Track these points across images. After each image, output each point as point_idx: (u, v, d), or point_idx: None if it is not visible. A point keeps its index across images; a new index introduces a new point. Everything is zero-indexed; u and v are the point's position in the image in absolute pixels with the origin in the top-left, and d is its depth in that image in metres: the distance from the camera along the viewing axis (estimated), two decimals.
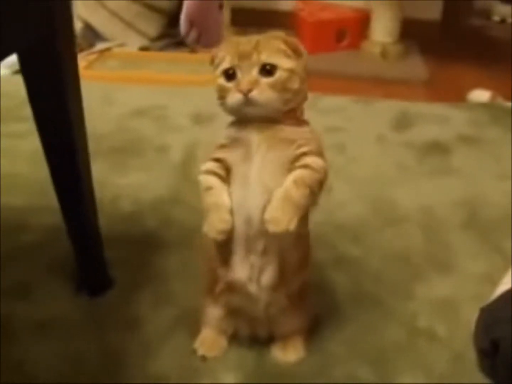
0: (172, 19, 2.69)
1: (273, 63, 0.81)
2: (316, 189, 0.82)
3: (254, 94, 0.81)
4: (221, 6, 0.69)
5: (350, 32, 2.60)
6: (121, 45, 2.49)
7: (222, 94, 0.84)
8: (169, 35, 2.60)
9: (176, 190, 1.44)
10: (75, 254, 1.09)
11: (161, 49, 2.53)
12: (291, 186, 0.80)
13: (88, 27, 2.48)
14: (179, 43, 2.57)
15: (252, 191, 0.83)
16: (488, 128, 1.86)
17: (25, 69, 0.93)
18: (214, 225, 0.83)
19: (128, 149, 1.64)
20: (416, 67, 2.49)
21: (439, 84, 2.34)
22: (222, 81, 0.84)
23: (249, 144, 0.84)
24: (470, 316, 1.06)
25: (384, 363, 0.97)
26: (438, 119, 1.92)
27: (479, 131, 1.84)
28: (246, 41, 0.83)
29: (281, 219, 0.79)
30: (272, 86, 0.81)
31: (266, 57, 0.81)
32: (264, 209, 0.81)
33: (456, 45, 2.82)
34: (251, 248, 0.86)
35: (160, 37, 2.58)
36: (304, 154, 0.83)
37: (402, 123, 1.88)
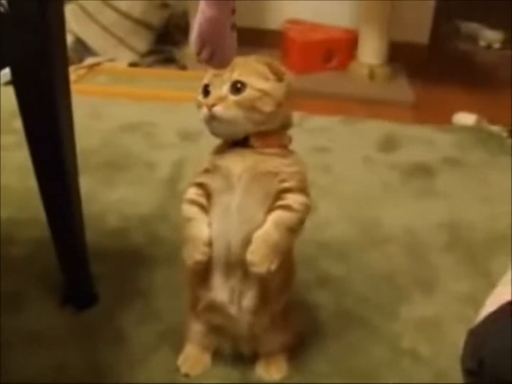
0: (161, 35, 2.72)
1: (243, 81, 0.82)
2: (297, 228, 0.85)
3: (217, 109, 0.82)
4: (233, 27, 0.70)
5: (338, 52, 2.63)
6: (111, 60, 2.51)
7: (198, 106, 0.86)
8: (158, 51, 2.63)
9: (163, 206, 1.44)
10: (61, 268, 1.09)
11: (150, 64, 2.54)
12: (271, 229, 0.82)
13: (78, 41, 2.49)
14: (168, 59, 2.59)
15: (232, 221, 0.85)
16: (473, 151, 1.89)
17: (17, 82, 0.93)
18: (191, 256, 0.86)
19: (116, 165, 1.64)
20: (403, 89, 2.52)
21: (426, 106, 2.37)
22: (199, 96, 0.86)
23: (230, 174, 0.84)
24: (454, 336, 1.07)
25: (368, 382, 0.97)
26: (423, 141, 1.94)
27: (463, 154, 1.86)
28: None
29: (262, 261, 0.81)
30: (238, 104, 0.82)
31: (237, 75, 0.82)
32: (244, 239, 0.84)
33: (443, 69, 2.87)
34: (231, 273, 0.87)
35: (149, 53, 2.60)
36: (286, 190, 0.84)
37: (388, 144, 1.90)
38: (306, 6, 2.81)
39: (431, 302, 1.18)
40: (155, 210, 1.43)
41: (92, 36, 2.53)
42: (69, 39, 2.45)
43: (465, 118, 2.12)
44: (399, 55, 2.66)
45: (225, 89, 0.83)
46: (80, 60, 2.45)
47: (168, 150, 1.74)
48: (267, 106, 0.83)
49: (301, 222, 0.85)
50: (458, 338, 1.06)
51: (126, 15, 2.60)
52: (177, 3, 2.74)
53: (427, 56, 2.95)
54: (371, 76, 2.54)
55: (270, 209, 0.84)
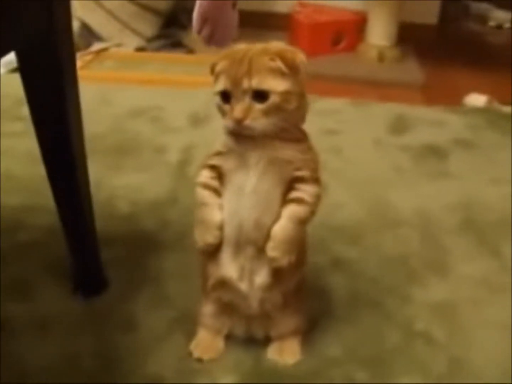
0: (168, 19, 2.69)
1: (266, 89, 0.79)
2: (310, 219, 0.87)
3: (247, 123, 0.81)
4: (234, 5, 0.69)
5: (347, 35, 2.60)
6: (118, 45, 2.49)
7: (220, 112, 0.85)
8: (165, 36, 2.61)
9: (173, 191, 1.44)
10: (71, 254, 1.08)
11: (158, 49, 2.53)
12: (287, 224, 0.85)
13: (85, 26, 2.48)
14: (175, 44, 2.57)
15: (246, 202, 0.85)
16: (484, 132, 1.87)
17: (24, 68, 0.92)
18: (203, 238, 0.88)
19: (124, 150, 1.63)
20: (413, 70, 2.49)
21: (436, 87, 2.34)
22: (219, 101, 0.83)
23: (246, 158, 0.84)
24: (467, 319, 1.07)
25: (381, 366, 0.97)
26: (434, 123, 1.92)
27: (475, 136, 1.84)
28: (241, 58, 0.80)
29: (283, 256, 0.85)
30: (265, 112, 0.80)
31: (257, 83, 0.79)
32: (256, 220, 0.85)
33: (452, 50, 2.84)
34: (241, 252, 0.88)
35: (156, 37, 2.58)
36: (300, 179, 0.85)
37: (399, 126, 1.88)
38: None
39: (444, 285, 1.16)
40: (165, 195, 1.42)
41: (98, 22, 2.51)
42: (75, 25, 2.44)
43: (476, 99, 2.09)
44: (408, 36, 2.63)
45: (248, 99, 0.80)
46: (87, 46, 2.44)
47: (177, 135, 1.73)
48: (292, 104, 0.82)
49: (313, 213, 0.87)
50: (472, 322, 1.07)
51: (132, 0, 2.58)
52: None
53: (437, 36, 2.92)
54: (380, 58, 2.52)
55: (284, 200, 0.86)
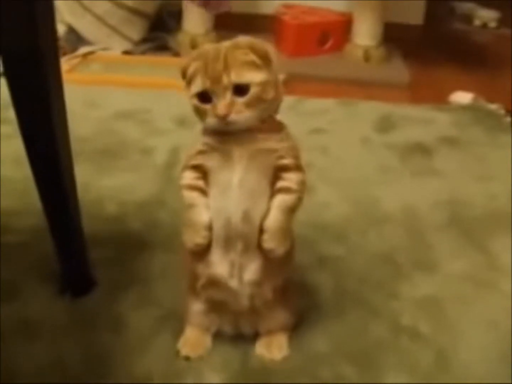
0: (155, 22, 2.69)
1: (245, 82, 0.81)
2: (298, 206, 0.89)
3: (232, 117, 0.82)
4: None
5: (333, 35, 2.61)
6: (105, 49, 2.49)
7: (199, 114, 0.85)
8: (152, 39, 2.61)
9: (160, 192, 1.44)
10: (59, 254, 1.08)
11: (144, 52, 2.53)
12: (278, 215, 0.87)
13: (71, 30, 2.47)
14: (161, 47, 2.58)
15: (233, 196, 0.86)
16: (471, 130, 1.88)
17: (8, 71, 0.92)
18: (191, 239, 0.88)
19: (112, 152, 1.63)
20: (399, 70, 2.51)
21: (421, 87, 2.36)
22: (197, 103, 0.84)
23: (229, 154, 0.85)
24: (454, 315, 1.08)
25: (369, 361, 0.97)
26: (420, 121, 1.93)
27: (461, 133, 1.86)
28: (214, 56, 0.82)
29: (279, 246, 0.87)
30: (247, 104, 0.82)
31: (236, 77, 0.81)
32: (244, 212, 0.86)
33: (438, 49, 2.85)
34: (231, 247, 0.88)
35: (143, 40, 2.59)
36: (284, 168, 0.87)
37: (385, 125, 1.90)
38: None
39: (431, 281, 1.17)
40: (152, 196, 1.42)
41: (85, 26, 2.51)
42: (62, 29, 2.44)
43: (462, 97, 2.11)
44: (394, 36, 2.64)
45: (229, 95, 0.81)
46: (74, 50, 2.43)
47: (164, 137, 1.74)
48: (270, 94, 0.84)
49: (300, 200, 0.89)
50: (458, 317, 1.08)
51: (119, 4, 2.57)
52: None
53: (422, 37, 2.94)
54: (366, 57, 2.53)
55: (271, 191, 0.87)
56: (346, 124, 1.91)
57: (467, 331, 1.04)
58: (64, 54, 2.34)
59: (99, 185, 1.45)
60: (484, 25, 3.30)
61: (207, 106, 0.83)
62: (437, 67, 2.57)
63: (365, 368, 0.96)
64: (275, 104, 0.87)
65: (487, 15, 3.30)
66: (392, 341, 1.01)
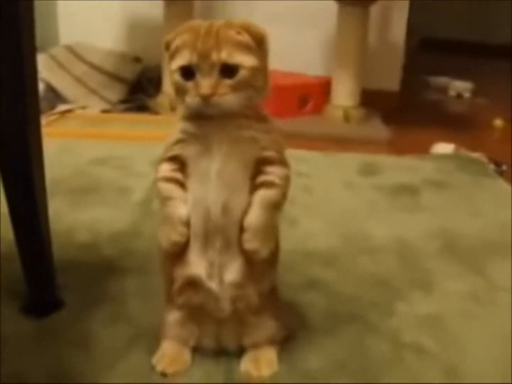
0: (134, 87, 2.70)
1: (235, 63, 0.75)
2: (282, 202, 0.82)
3: (216, 99, 0.75)
4: None
5: (313, 97, 2.63)
6: (83, 107, 2.46)
7: (179, 91, 0.78)
8: (131, 100, 2.60)
9: (136, 223, 1.35)
10: (25, 274, 0.99)
11: (123, 112, 2.50)
12: (260, 212, 0.79)
13: (50, 89, 2.45)
14: (140, 107, 2.56)
15: (212, 186, 0.79)
16: (456, 175, 1.85)
17: None
18: (168, 237, 0.81)
19: (87, 190, 1.55)
20: (378, 128, 2.51)
21: (402, 143, 2.34)
22: (179, 78, 0.77)
23: (208, 141, 0.79)
24: (459, 330, 0.99)
25: (370, 377, 0.87)
26: (404, 168, 1.90)
27: (446, 177, 1.81)
28: (206, 31, 0.75)
29: (262, 246, 0.80)
30: (234, 88, 0.76)
31: (227, 56, 0.75)
32: (223, 205, 0.79)
33: (415, 114, 2.89)
34: (209, 245, 0.80)
35: (122, 102, 2.57)
36: (267, 161, 0.80)
37: (369, 170, 1.86)
38: (277, 56, 2.84)
39: (430, 299, 1.08)
40: (128, 227, 1.33)
41: (64, 85, 2.50)
42: (41, 86, 2.41)
43: (443, 148, 2.09)
44: (372, 102, 2.67)
45: (215, 74, 0.75)
46: (52, 108, 2.40)
47: (141, 178, 1.66)
48: (258, 79, 0.78)
49: (284, 196, 0.82)
50: (463, 333, 0.98)
51: (98, 68, 2.59)
52: (150, 57, 2.74)
53: (399, 103, 2.97)
54: (346, 118, 2.54)
55: (253, 186, 0.80)
56: (330, 170, 1.86)
57: (474, 346, 0.95)
58: (43, 112, 2.30)
59: (72, 217, 1.36)
60: (459, 96, 3.37)
61: (190, 84, 0.76)
62: (416, 127, 2.58)
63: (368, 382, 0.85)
64: (262, 93, 0.80)
65: (461, 86, 3.38)
66: (394, 357, 0.91)
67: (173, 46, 0.78)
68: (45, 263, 1.01)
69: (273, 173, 0.80)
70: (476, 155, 2.01)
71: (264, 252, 0.80)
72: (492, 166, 1.94)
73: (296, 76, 2.70)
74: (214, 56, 0.74)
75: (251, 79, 0.76)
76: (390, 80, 2.97)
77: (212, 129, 0.79)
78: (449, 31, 5.29)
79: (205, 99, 0.75)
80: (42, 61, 2.46)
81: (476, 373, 0.88)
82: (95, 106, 2.49)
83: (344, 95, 2.56)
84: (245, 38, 0.76)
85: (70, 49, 2.61)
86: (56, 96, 2.45)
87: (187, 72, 0.76)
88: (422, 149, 2.15)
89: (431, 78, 3.63)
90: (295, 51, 2.77)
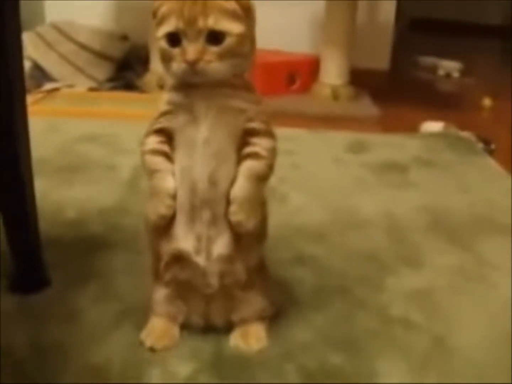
0: (121, 65, 2.67)
1: (222, 30, 0.74)
2: (268, 174, 0.81)
3: (201, 66, 0.74)
4: None
5: (301, 75, 2.61)
6: (70, 86, 2.43)
7: (165, 59, 0.77)
8: (118, 78, 2.57)
9: (124, 200, 1.34)
10: (11, 251, 0.98)
11: (110, 90, 2.48)
12: (246, 184, 0.79)
13: (36, 67, 2.42)
14: (128, 85, 2.53)
15: (198, 157, 0.79)
16: (443, 153, 1.84)
17: None
18: (155, 210, 0.80)
19: (74, 168, 1.53)
20: (368, 107, 2.51)
21: (391, 121, 2.34)
22: (164, 45, 0.76)
23: (195, 110, 0.78)
24: (448, 304, 1.00)
25: (357, 349, 0.87)
26: (392, 146, 1.90)
27: (434, 156, 1.81)
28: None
29: (248, 219, 0.79)
30: (220, 55, 0.75)
31: (213, 23, 0.73)
32: (210, 175, 0.79)
33: (405, 93, 2.88)
34: (196, 218, 0.80)
35: (109, 80, 2.54)
36: (253, 132, 0.79)
37: (357, 148, 1.85)
38: (265, 34, 2.81)
39: (419, 274, 1.09)
40: (116, 204, 1.32)
41: (51, 63, 2.46)
42: (27, 65, 2.38)
43: (432, 126, 2.09)
44: (362, 81, 2.66)
45: (201, 40, 0.74)
46: (38, 86, 2.36)
47: (129, 155, 1.64)
48: (245, 47, 0.77)
49: (270, 168, 0.81)
50: (451, 306, 0.99)
51: (85, 47, 2.55)
52: (138, 36, 2.71)
53: (388, 82, 2.97)
54: (335, 96, 2.53)
55: (239, 157, 0.80)
56: (318, 147, 1.86)
57: (462, 319, 0.96)
58: (29, 91, 2.27)
59: (60, 194, 1.35)
60: (448, 75, 3.37)
61: (176, 51, 0.75)
62: (405, 106, 2.58)
63: (353, 356, 0.85)
64: (248, 61, 0.80)
65: (450, 66, 3.38)
66: (382, 330, 0.92)
67: (160, 13, 0.77)
68: (32, 240, 1.00)
69: (259, 144, 0.79)
70: (465, 133, 2.00)
71: (250, 225, 0.79)
72: (481, 145, 1.94)
73: (284, 53, 2.68)
74: (201, 23, 0.73)
75: (237, 47, 0.76)
76: (380, 59, 2.96)
77: (199, 98, 0.78)
78: (438, 11, 5.28)
79: (191, 65, 0.74)
80: (28, 39, 2.43)
81: (464, 345, 0.89)
82: (82, 85, 2.46)
83: (332, 73, 2.55)
84: (232, 5, 0.75)
85: (56, 27, 2.57)
86: (42, 75, 2.42)
87: (174, 39, 0.75)
88: (411, 128, 2.15)
89: (420, 58, 3.62)
90: (283, 29, 2.75)
